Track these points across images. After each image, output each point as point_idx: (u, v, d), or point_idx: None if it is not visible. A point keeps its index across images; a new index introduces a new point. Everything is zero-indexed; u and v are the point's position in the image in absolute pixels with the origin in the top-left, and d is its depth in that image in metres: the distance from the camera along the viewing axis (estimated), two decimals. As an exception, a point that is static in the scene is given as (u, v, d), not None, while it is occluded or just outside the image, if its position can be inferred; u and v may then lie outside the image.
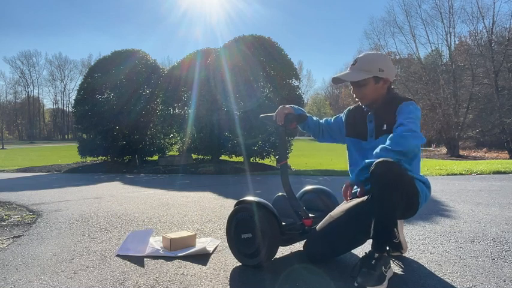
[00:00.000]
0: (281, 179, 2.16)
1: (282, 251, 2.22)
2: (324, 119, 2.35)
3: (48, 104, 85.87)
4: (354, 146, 2.13)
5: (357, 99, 2.07)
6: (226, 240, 2.17)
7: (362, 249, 2.09)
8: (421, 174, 2.01)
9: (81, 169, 10.30)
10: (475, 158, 18.27)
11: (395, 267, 1.93)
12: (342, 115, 2.25)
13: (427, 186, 1.95)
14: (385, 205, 1.70)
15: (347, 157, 2.20)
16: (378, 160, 1.72)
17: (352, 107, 2.22)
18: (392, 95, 2.01)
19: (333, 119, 2.30)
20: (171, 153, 12.29)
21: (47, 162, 13.42)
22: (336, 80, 2.07)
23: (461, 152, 22.23)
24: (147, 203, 4.25)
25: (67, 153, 18.71)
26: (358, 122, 2.10)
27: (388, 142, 1.79)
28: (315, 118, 2.35)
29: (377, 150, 1.79)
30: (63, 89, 74.33)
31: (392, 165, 1.71)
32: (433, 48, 25.50)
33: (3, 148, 31.66)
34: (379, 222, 1.72)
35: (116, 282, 1.81)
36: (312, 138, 2.53)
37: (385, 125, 1.94)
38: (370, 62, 1.97)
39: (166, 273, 1.93)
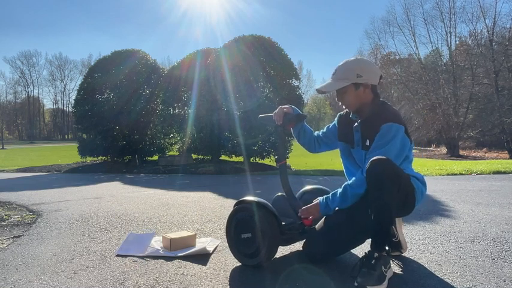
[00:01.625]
0: (280, 179, 2.16)
1: (282, 251, 2.22)
2: (316, 132, 2.37)
3: (48, 104, 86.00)
4: (344, 150, 2.15)
5: (343, 107, 2.10)
6: (226, 240, 2.17)
7: (362, 249, 2.09)
8: (415, 171, 2.01)
9: (81, 169, 10.29)
10: (475, 158, 18.27)
11: (395, 267, 1.93)
12: (335, 121, 2.28)
13: (422, 182, 1.96)
14: (381, 204, 1.71)
15: (343, 167, 2.21)
16: (373, 159, 1.75)
17: (343, 112, 2.24)
18: (379, 105, 2.00)
19: (325, 128, 2.33)
20: (171, 153, 12.28)
21: (47, 162, 13.42)
22: (319, 91, 2.12)
23: (461, 152, 22.23)
24: (147, 203, 4.25)
25: (67, 153, 18.70)
26: (346, 129, 2.13)
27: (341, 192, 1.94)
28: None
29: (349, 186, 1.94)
30: (63, 89, 74.52)
31: (387, 164, 1.73)
32: (433, 48, 25.50)
33: (3, 148, 31.66)
34: (377, 221, 1.73)
35: (116, 282, 1.81)
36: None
37: (367, 141, 1.95)
38: (348, 69, 1.98)
39: (166, 273, 1.93)
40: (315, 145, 2.31)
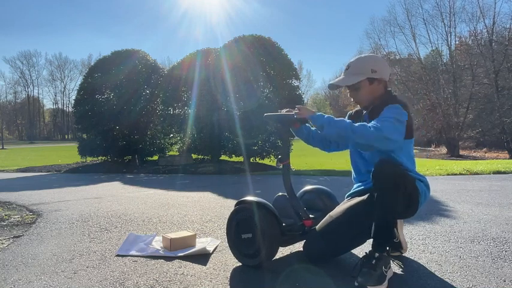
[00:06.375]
0: (283, 178, 2.15)
1: (282, 251, 2.22)
2: None
3: (48, 104, 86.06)
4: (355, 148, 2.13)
5: (356, 103, 2.08)
6: (226, 240, 2.17)
7: (362, 249, 2.09)
8: (420, 173, 2.01)
9: (81, 169, 10.28)
10: (475, 158, 18.27)
11: (395, 267, 1.93)
12: None
13: (426, 185, 1.95)
14: (387, 206, 1.70)
15: (350, 162, 2.19)
16: (381, 160, 1.75)
17: (352, 111, 2.22)
18: (388, 97, 1.99)
19: None
20: (171, 153, 12.27)
21: (47, 162, 13.41)
22: (332, 86, 2.10)
23: (461, 152, 22.23)
24: (147, 203, 4.25)
25: (67, 153, 18.70)
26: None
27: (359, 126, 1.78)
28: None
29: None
30: (63, 89, 74.52)
31: (395, 166, 1.72)
32: (433, 48, 25.52)
33: (3, 148, 31.66)
34: (380, 223, 1.73)
35: (115, 282, 1.81)
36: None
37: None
38: (362, 64, 1.98)
39: (166, 273, 1.93)
40: (329, 144, 2.27)
